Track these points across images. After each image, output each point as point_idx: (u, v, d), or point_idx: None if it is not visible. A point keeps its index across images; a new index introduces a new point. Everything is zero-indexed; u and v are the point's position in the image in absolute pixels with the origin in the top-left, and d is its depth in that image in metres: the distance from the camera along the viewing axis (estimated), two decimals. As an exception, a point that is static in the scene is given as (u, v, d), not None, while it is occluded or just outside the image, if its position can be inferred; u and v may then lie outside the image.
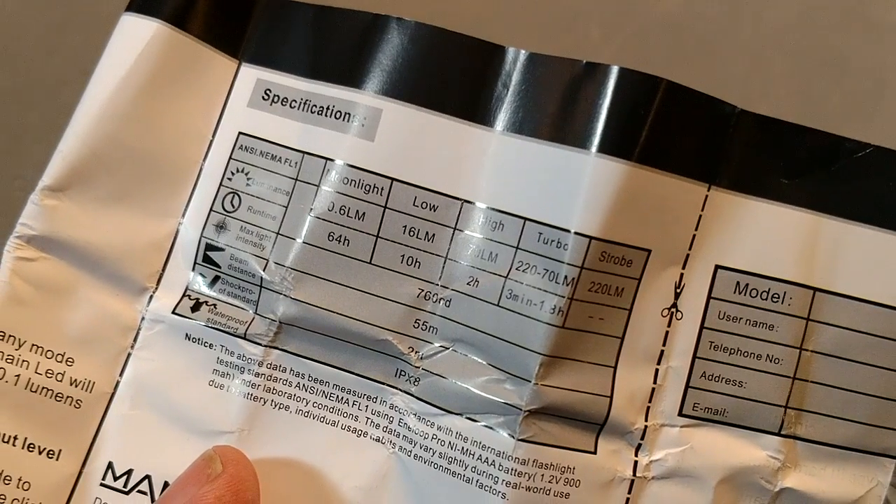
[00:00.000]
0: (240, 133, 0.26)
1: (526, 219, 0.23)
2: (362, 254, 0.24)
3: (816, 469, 0.24)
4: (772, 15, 0.38)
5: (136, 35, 0.25)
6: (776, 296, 0.23)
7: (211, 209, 0.25)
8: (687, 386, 0.24)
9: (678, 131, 0.23)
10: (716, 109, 0.23)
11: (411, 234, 0.24)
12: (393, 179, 0.24)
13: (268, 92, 0.26)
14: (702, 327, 0.23)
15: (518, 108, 0.23)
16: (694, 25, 0.38)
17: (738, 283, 0.23)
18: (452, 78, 0.24)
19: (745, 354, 0.23)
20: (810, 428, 0.24)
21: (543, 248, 0.22)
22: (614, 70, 0.22)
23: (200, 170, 0.26)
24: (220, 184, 0.26)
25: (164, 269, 0.26)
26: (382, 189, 0.24)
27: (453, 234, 0.24)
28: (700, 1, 0.39)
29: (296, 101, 0.25)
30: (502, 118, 0.23)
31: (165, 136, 0.26)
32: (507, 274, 0.23)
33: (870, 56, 0.38)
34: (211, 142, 0.26)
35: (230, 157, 0.26)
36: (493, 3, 0.39)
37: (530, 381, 0.23)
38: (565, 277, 0.22)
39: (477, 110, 0.24)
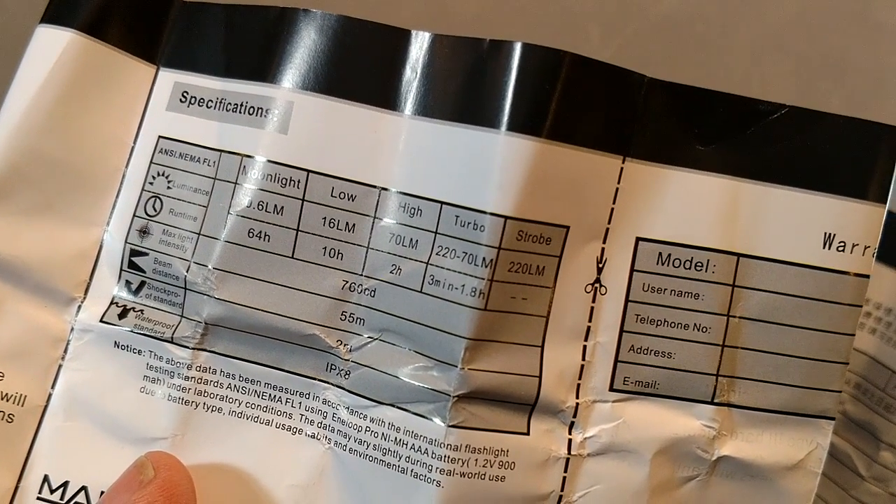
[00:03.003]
0: (160, 137, 0.26)
1: (442, 202, 0.23)
2: (284, 249, 0.24)
3: (753, 435, 0.24)
4: (772, 15, 0.38)
5: (50, 46, 0.25)
6: (699, 264, 0.23)
7: (134, 215, 0.25)
8: (616, 360, 0.23)
9: (587, 104, 0.22)
10: (624, 80, 0.23)
11: (331, 225, 0.24)
12: (309, 171, 0.24)
13: (185, 94, 0.26)
14: (627, 301, 0.23)
15: (427, 91, 0.23)
16: (694, 25, 0.39)
17: (660, 253, 0.23)
18: (362, 65, 0.24)
19: (673, 325, 0.23)
20: (744, 394, 0.24)
21: (461, 230, 0.22)
22: (517, 46, 0.22)
23: (123, 176, 0.26)
24: (143, 188, 0.25)
25: (91, 278, 0.25)
26: (299, 182, 0.24)
27: (373, 222, 0.23)
28: (700, 1, 0.39)
29: (212, 101, 0.25)
30: (412, 102, 0.23)
31: (86, 145, 0.25)
32: (428, 259, 0.23)
33: (870, 56, 0.38)
34: (132, 148, 0.26)
35: (151, 162, 0.25)
36: (493, 4, 0.39)
37: (457, 367, 0.22)
38: (483, 259, 0.22)
39: (388, 96, 0.23)
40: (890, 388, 0.34)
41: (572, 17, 0.38)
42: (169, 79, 0.26)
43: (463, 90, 0.23)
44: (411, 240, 0.23)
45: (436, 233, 0.23)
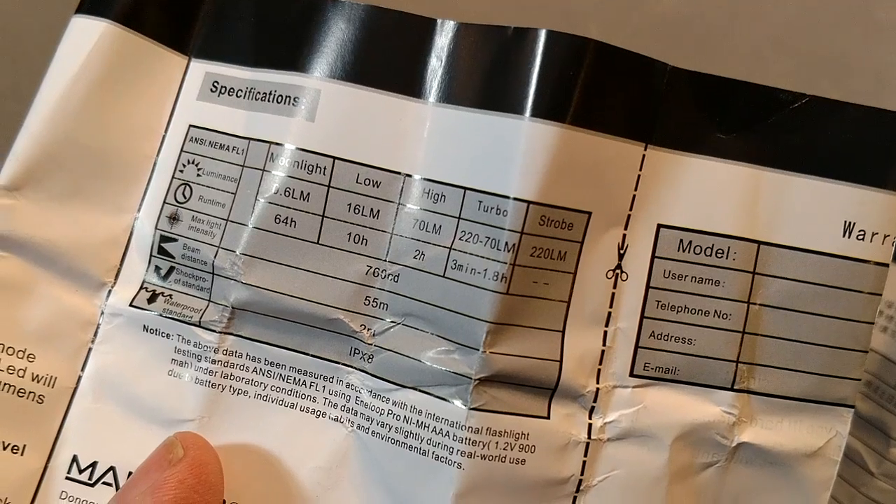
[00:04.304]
0: (190, 126, 0.26)
1: (466, 188, 0.23)
2: (309, 234, 0.24)
3: (773, 422, 0.24)
4: (772, 15, 0.38)
5: (86, 36, 0.26)
6: (720, 251, 0.23)
7: (164, 201, 0.26)
8: (636, 346, 0.24)
9: (610, 92, 0.23)
10: (647, 68, 0.23)
11: (356, 211, 0.24)
12: (335, 158, 0.24)
13: (215, 84, 0.26)
14: (648, 287, 0.24)
15: (451, 79, 0.23)
16: (694, 25, 0.39)
17: (681, 240, 0.23)
18: (388, 54, 0.24)
19: (693, 312, 0.23)
20: (763, 381, 0.24)
21: (484, 216, 0.23)
22: (542, 34, 0.22)
23: (154, 164, 0.26)
24: (173, 176, 0.26)
25: (121, 264, 0.26)
26: (325, 168, 0.24)
27: (397, 208, 0.24)
28: (700, 1, 0.39)
29: (241, 91, 0.26)
30: (437, 90, 0.24)
31: (118, 133, 0.26)
32: (451, 245, 0.23)
33: (870, 56, 0.38)
34: (164, 136, 0.26)
35: (181, 150, 0.26)
36: (492, 5, 0.39)
37: (478, 350, 0.23)
38: (506, 244, 0.22)
39: (413, 84, 0.24)
40: (900, 385, 0.34)
41: (572, 17, 0.38)
42: (200, 69, 0.26)
43: (487, 77, 0.23)
44: (435, 225, 0.23)
45: (459, 218, 0.23)
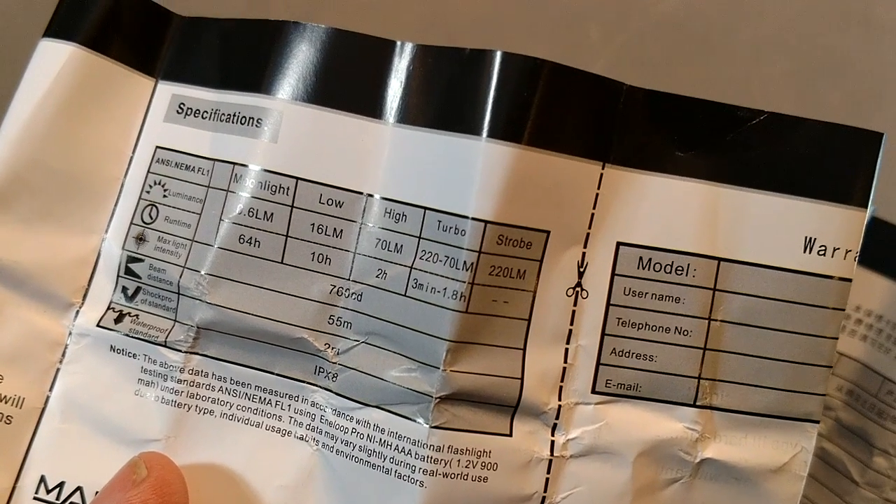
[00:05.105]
0: (157, 147, 0.26)
1: (426, 208, 0.23)
2: (273, 254, 0.24)
3: (736, 438, 0.24)
4: (772, 15, 0.38)
5: (53, 59, 0.26)
6: (680, 268, 0.23)
7: (131, 222, 0.26)
8: (598, 363, 0.24)
9: (567, 112, 0.23)
10: (603, 87, 0.23)
11: (320, 231, 0.24)
12: (298, 179, 0.24)
13: (182, 106, 0.26)
14: (608, 304, 0.24)
15: (410, 100, 0.24)
16: (694, 25, 0.39)
17: (640, 258, 0.23)
18: (349, 76, 0.24)
19: (654, 328, 0.24)
20: (726, 397, 0.24)
21: (443, 235, 0.23)
22: (497, 55, 0.22)
23: (122, 185, 0.26)
24: (140, 197, 0.26)
25: (89, 284, 0.26)
26: (288, 189, 0.24)
27: (360, 228, 0.24)
28: (700, 1, 0.39)
29: (207, 112, 0.26)
30: (397, 111, 0.24)
31: (86, 155, 0.26)
32: (412, 264, 0.23)
33: (870, 56, 0.38)
34: (131, 158, 0.27)
35: (148, 171, 0.26)
36: (493, 5, 0.39)
37: (439, 368, 0.23)
38: (464, 263, 0.23)
39: (374, 105, 0.24)
40: (882, 393, 0.34)
41: (572, 17, 0.38)
42: (167, 91, 0.27)
43: (445, 98, 0.23)
44: (396, 244, 0.24)
45: (420, 237, 0.23)
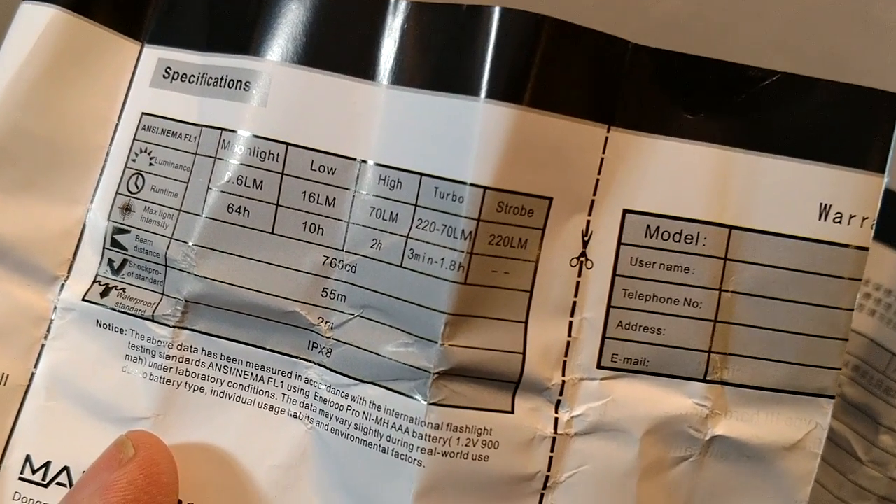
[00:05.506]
0: (143, 113, 0.25)
1: (422, 174, 0.22)
2: (263, 224, 0.23)
3: (748, 414, 0.23)
4: (772, 15, 0.38)
5: (34, 22, 0.25)
6: (689, 237, 0.22)
7: (117, 192, 0.25)
8: (603, 337, 0.23)
9: (569, 71, 0.22)
10: (608, 46, 0.22)
11: (311, 199, 0.23)
12: (288, 144, 0.23)
13: (168, 70, 0.25)
14: (614, 275, 0.23)
15: (405, 60, 0.22)
16: (694, 25, 0.38)
17: (648, 226, 0.22)
18: (341, 36, 0.23)
19: (662, 300, 0.22)
20: (737, 372, 0.23)
21: (441, 202, 0.22)
22: (496, 11, 0.21)
23: (107, 154, 0.25)
24: (125, 166, 0.25)
25: (74, 257, 0.25)
26: (278, 155, 0.23)
27: (353, 196, 0.23)
28: (700, 1, 0.38)
29: (193, 76, 0.25)
30: (391, 72, 0.23)
31: (70, 122, 0.25)
32: (408, 233, 0.22)
33: (870, 56, 0.37)
34: (116, 125, 0.26)
35: (134, 138, 0.25)
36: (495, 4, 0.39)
37: (437, 342, 0.22)
38: (463, 231, 0.21)
39: (367, 66, 0.23)
40: (890, 370, 0.33)
41: (572, 17, 0.37)
42: (153, 55, 0.26)
43: (441, 58, 0.22)
44: (391, 213, 0.22)
45: (416, 205, 0.22)
